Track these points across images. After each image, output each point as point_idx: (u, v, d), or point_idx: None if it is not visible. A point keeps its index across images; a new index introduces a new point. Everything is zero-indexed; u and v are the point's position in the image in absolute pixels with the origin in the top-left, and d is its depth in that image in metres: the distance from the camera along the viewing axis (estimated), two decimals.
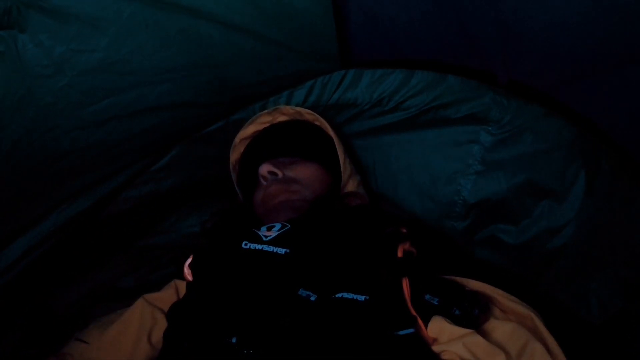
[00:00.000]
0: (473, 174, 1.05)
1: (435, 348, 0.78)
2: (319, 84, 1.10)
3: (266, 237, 0.87)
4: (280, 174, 1.02)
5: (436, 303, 0.82)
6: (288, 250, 0.84)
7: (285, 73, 1.04)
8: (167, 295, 0.96)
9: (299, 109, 1.09)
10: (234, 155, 1.14)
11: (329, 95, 1.10)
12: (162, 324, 0.90)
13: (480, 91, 0.99)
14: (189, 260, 0.93)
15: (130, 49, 0.80)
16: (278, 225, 0.90)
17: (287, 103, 1.12)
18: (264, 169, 1.02)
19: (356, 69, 1.08)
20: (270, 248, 0.85)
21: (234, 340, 0.73)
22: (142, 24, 0.78)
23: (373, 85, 1.07)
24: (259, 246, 0.85)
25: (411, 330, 0.78)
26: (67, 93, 0.79)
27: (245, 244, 0.86)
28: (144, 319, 0.91)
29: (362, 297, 0.79)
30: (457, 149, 1.05)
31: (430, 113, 1.05)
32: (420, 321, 0.80)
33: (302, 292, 0.79)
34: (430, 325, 0.80)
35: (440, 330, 0.79)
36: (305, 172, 1.04)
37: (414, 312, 0.81)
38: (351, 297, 0.78)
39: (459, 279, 0.88)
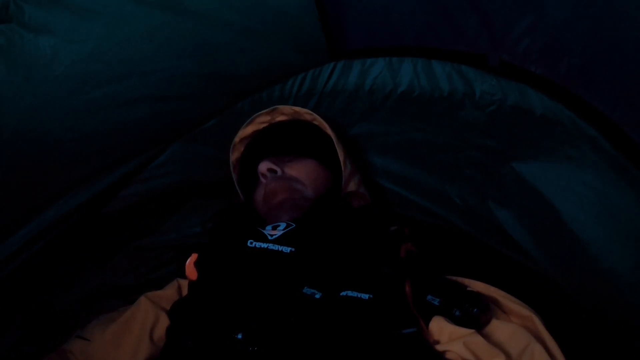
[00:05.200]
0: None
1: (436, 348, 0.78)
2: (310, 76, 1.10)
3: (271, 235, 0.88)
4: (279, 171, 1.02)
5: (437, 304, 0.83)
6: (293, 249, 0.85)
7: (273, 63, 1.05)
8: (170, 294, 0.96)
9: (297, 108, 1.09)
10: (234, 155, 1.14)
11: (321, 86, 1.11)
12: (164, 321, 0.91)
13: (466, 75, 0.98)
14: (191, 258, 0.93)
15: (119, 39, 0.82)
16: (283, 225, 0.90)
17: (281, 95, 1.13)
18: (263, 166, 1.02)
19: (345, 60, 1.07)
20: (276, 247, 0.85)
21: (239, 336, 0.74)
22: (130, 15, 0.80)
23: (364, 74, 1.07)
24: (264, 245, 0.86)
25: (414, 329, 0.79)
26: (61, 82, 0.81)
27: (251, 243, 0.87)
28: (146, 317, 0.90)
29: (366, 296, 0.79)
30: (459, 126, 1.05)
31: (425, 97, 1.04)
32: (421, 321, 0.81)
33: (307, 290, 0.79)
34: (430, 325, 0.81)
35: (440, 330, 0.80)
36: (305, 170, 1.04)
37: (415, 313, 0.82)
38: (355, 295, 0.79)
39: (461, 280, 0.89)
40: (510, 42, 0.88)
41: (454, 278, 0.90)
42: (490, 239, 1.09)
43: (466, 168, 1.08)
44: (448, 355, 0.77)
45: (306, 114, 1.09)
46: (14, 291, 1.01)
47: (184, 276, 0.94)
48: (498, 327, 0.80)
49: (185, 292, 0.96)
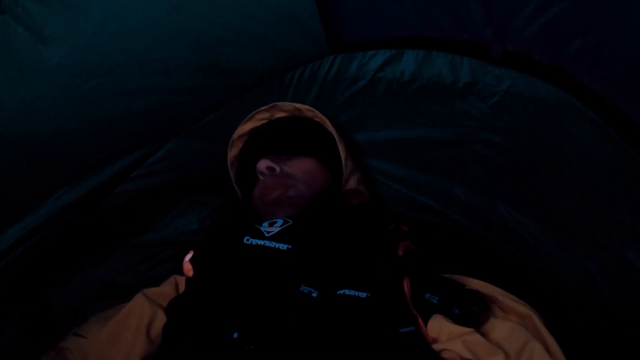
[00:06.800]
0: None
1: (435, 347, 0.78)
2: (309, 70, 1.09)
3: (268, 232, 0.87)
4: (278, 169, 1.01)
5: (436, 302, 0.83)
6: (290, 246, 0.84)
7: (274, 57, 1.03)
8: (167, 291, 0.95)
9: (297, 105, 1.08)
10: (232, 152, 1.13)
11: (321, 78, 1.09)
12: (162, 318, 0.90)
13: (468, 66, 0.97)
14: (189, 255, 0.93)
15: (115, 30, 0.81)
16: (280, 221, 0.90)
17: (280, 87, 1.11)
18: (262, 164, 1.01)
19: (345, 53, 1.05)
20: (272, 244, 0.85)
21: (235, 335, 0.73)
22: (126, 6, 0.79)
23: (364, 66, 1.05)
24: (260, 242, 0.85)
25: (412, 328, 0.78)
26: (56, 73, 0.80)
27: (247, 239, 0.86)
28: (143, 314, 0.90)
29: (363, 294, 0.79)
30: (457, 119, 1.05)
31: (427, 89, 1.03)
32: (420, 320, 0.81)
33: (304, 289, 0.79)
34: (429, 324, 0.81)
35: (439, 329, 0.80)
36: (303, 168, 1.03)
37: (414, 311, 0.82)
38: (353, 294, 0.79)
39: (459, 278, 0.89)
40: (515, 30, 0.86)
41: (453, 276, 0.89)
42: (494, 236, 1.09)
43: (470, 164, 1.07)
44: (446, 354, 0.77)
45: (307, 110, 1.08)
46: (11, 288, 1.01)
47: (183, 273, 0.93)
48: (496, 326, 0.80)
49: (182, 288, 0.96)
